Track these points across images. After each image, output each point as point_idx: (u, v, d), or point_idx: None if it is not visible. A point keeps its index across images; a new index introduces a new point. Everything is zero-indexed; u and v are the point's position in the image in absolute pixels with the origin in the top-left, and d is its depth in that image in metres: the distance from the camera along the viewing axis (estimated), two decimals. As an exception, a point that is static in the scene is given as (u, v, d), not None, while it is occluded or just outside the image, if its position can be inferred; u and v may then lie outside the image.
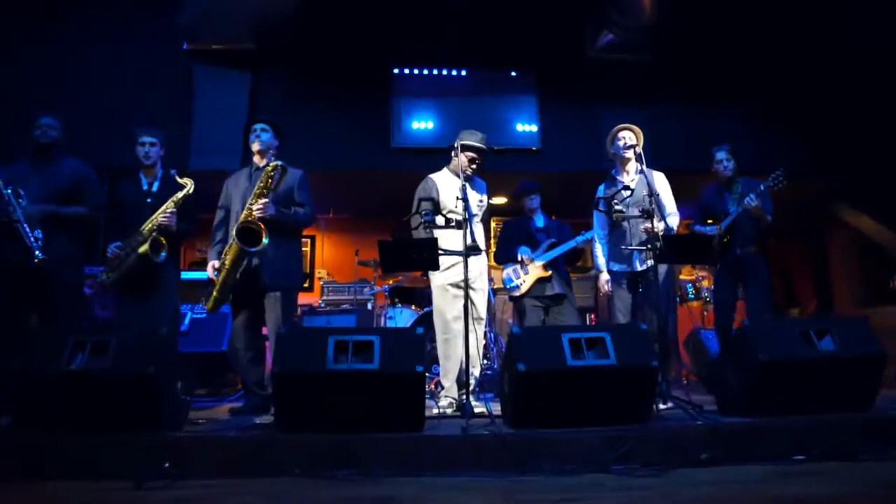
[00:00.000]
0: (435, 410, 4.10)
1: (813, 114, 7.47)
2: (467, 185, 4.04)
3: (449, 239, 4.33)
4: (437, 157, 4.91)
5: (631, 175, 4.77)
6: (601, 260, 4.84)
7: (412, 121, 7.33)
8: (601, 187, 4.95)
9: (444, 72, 7.52)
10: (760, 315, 5.20)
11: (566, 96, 7.43)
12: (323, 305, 7.97)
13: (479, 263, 4.48)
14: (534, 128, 7.40)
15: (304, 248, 9.46)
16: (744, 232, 5.24)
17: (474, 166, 4.47)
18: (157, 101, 6.81)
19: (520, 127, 7.40)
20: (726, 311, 5.39)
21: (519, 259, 5.53)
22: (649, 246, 4.07)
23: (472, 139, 4.48)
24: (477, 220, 4.55)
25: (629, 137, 4.71)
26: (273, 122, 4.69)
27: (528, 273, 5.53)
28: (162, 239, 4.35)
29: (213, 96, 6.99)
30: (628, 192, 4.27)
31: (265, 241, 4.05)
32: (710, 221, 5.39)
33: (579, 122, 7.39)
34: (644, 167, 4.42)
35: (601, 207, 4.20)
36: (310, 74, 7.22)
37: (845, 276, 9.80)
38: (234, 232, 4.10)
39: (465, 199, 3.84)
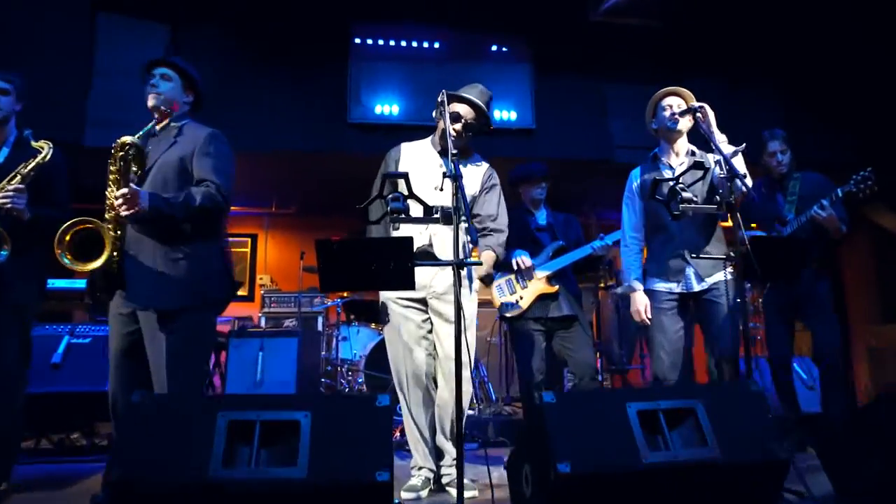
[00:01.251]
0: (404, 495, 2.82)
1: (857, 98, 6.23)
2: (456, 153, 2.60)
3: (429, 239, 3.02)
4: (406, 136, 3.50)
5: (681, 157, 3.42)
6: (632, 274, 3.48)
7: (371, 97, 5.87)
8: (635, 174, 3.60)
9: (414, 42, 6.10)
10: (833, 351, 4.00)
11: (565, 68, 6.07)
12: (262, 322, 6.52)
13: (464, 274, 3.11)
14: (527, 105, 6.00)
15: (243, 249, 7.92)
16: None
17: (467, 133, 3.11)
18: (47, 55, 5.21)
19: (511, 105, 5.99)
20: (782, 344, 4.17)
21: (515, 266, 4.15)
22: (727, 254, 2.69)
23: (466, 91, 3.10)
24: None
25: (678, 104, 3.35)
26: (182, 68, 3.16)
27: (528, 287, 4.16)
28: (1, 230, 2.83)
29: (119, 53, 5.42)
30: (698, 173, 2.86)
31: (104, 257, 2.66)
32: (753, 226, 4.17)
33: (581, 100, 6.04)
34: (716, 137, 3.04)
35: (659, 195, 2.77)
36: (245, 31, 5.73)
37: (861, 286, 8.69)
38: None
39: (455, 176, 2.40)
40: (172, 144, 2.90)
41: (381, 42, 6.04)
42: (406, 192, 2.35)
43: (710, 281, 3.29)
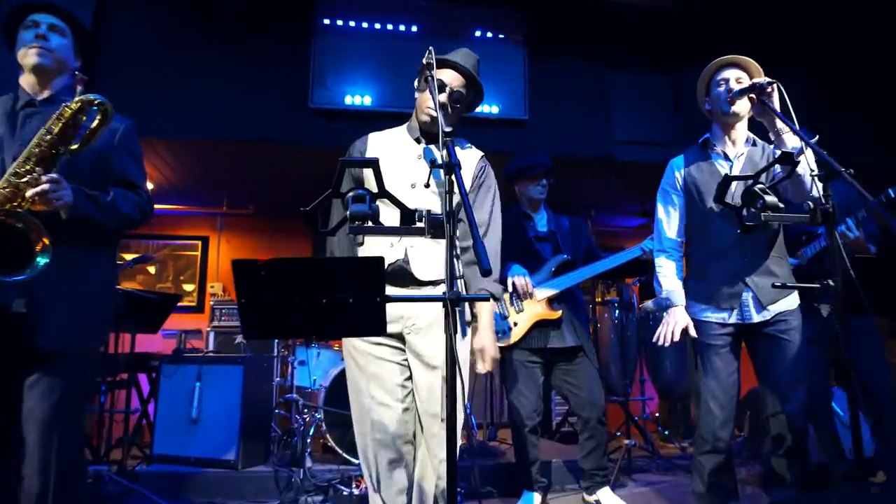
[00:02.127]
0: None
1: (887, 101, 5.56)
2: (450, 130, 1.80)
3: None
4: (380, 125, 2.62)
5: (738, 147, 2.66)
6: (672, 286, 2.67)
7: (339, 83, 5.00)
8: (676, 164, 2.80)
9: (389, 25, 5.25)
10: (880, 376, 3.23)
11: (564, 53, 5.29)
12: (210, 337, 5.68)
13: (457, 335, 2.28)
14: (519, 93, 5.16)
15: (193, 253, 7.01)
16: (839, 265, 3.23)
17: (456, 106, 2.30)
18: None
19: (501, 91, 5.14)
20: (822, 375, 3.38)
21: (510, 286, 3.39)
22: (824, 282, 1.92)
23: (452, 56, 2.31)
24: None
25: (736, 79, 2.58)
26: (72, 15, 2.32)
27: (523, 310, 3.41)
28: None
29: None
30: (784, 169, 2.07)
31: (41, 260, 1.79)
32: None
33: (581, 90, 5.27)
34: (780, 128, 2.27)
35: (733, 199, 1.99)
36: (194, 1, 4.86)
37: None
38: None
39: (450, 165, 1.60)
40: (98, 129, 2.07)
41: (351, 23, 5.19)
42: (375, 189, 1.55)
43: (773, 309, 2.53)
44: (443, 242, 2.30)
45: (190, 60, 4.78)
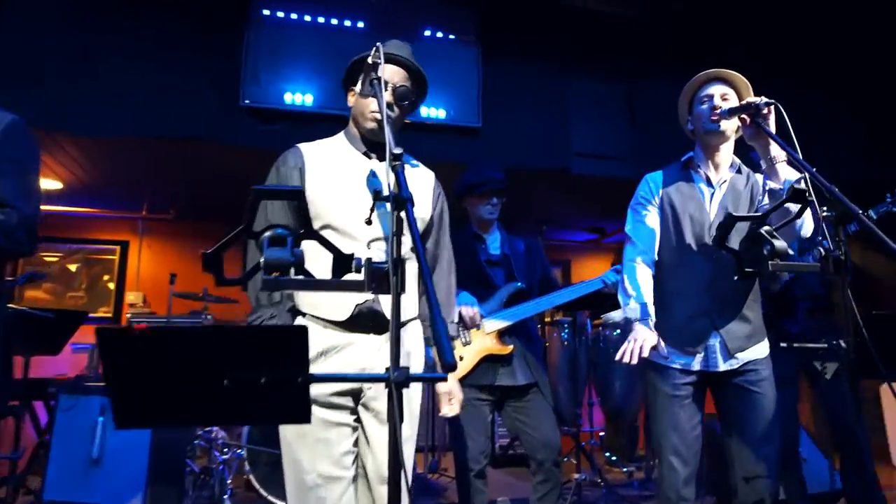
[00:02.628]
0: None
1: (864, 111, 5.46)
2: (399, 153, 1.40)
3: (345, 296, 1.83)
4: (320, 129, 2.32)
5: (722, 173, 2.38)
6: (645, 297, 2.34)
7: (278, 71, 4.54)
8: (656, 177, 2.50)
9: (334, 20, 4.84)
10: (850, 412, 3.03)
11: (519, 58, 4.97)
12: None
13: (411, 344, 2.02)
14: (442, 112, 4.78)
15: (111, 257, 6.40)
16: (812, 291, 3.14)
17: (402, 104, 1.96)
18: None
19: (429, 112, 4.76)
20: (790, 416, 3.18)
21: (455, 315, 3.02)
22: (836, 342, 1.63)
23: (393, 50, 1.97)
24: (408, 249, 1.98)
25: (721, 95, 2.30)
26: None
27: (470, 343, 3.06)
28: None
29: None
30: (793, 209, 1.76)
31: None
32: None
33: (538, 97, 4.96)
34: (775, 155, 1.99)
35: (735, 243, 1.68)
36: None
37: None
38: None
39: (400, 199, 1.23)
40: None
41: (293, 16, 4.75)
42: (297, 225, 1.17)
43: (742, 358, 2.27)
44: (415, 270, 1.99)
45: (104, 47, 4.26)
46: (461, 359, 3.03)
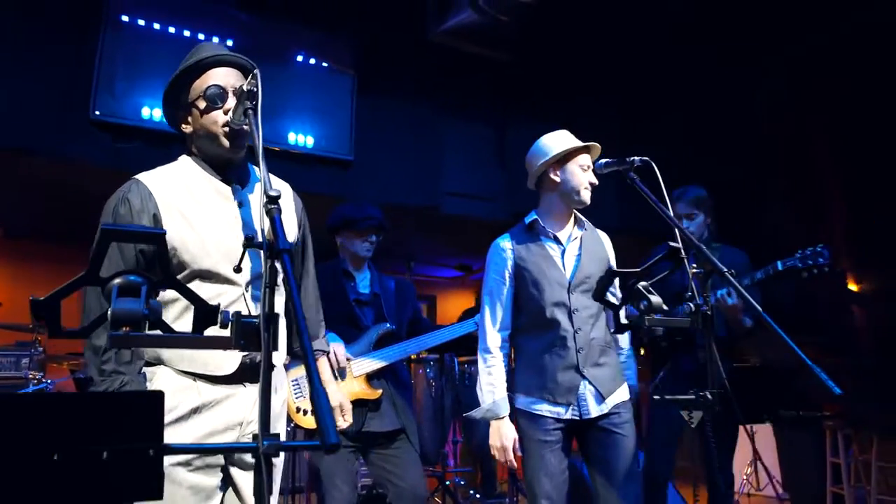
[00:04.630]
0: None
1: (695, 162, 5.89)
2: (276, 195, 1.26)
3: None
4: (178, 148, 1.99)
5: (569, 229, 2.50)
6: (498, 393, 2.43)
7: (133, 93, 4.17)
8: (500, 245, 2.56)
9: (201, 35, 4.55)
10: (724, 461, 3.16)
11: (394, 92, 4.94)
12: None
13: (277, 393, 1.85)
14: (310, 139, 4.64)
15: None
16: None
17: (226, 121, 1.70)
18: None
19: (293, 136, 4.61)
20: (667, 455, 3.30)
21: (320, 359, 2.88)
22: (703, 395, 1.68)
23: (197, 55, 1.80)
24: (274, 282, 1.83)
25: (587, 165, 2.47)
26: None
27: (338, 388, 2.91)
28: None
29: None
30: (665, 266, 1.81)
31: None
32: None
33: (410, 133, 4.95)
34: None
35: (612, 297, 1.71)
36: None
37: (644, 359, 8.72)
38: None
39: (277, 250, 1.12)
40: None
41: (156, 26, 4.42)
42: (154, 271, 1.02)
43: (610, 402, 2.35)
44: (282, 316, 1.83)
45: None
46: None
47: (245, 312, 1.14)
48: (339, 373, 2.88)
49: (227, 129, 1.69)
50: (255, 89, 1.51)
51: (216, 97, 1.69)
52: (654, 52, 5.44)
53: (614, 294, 2.35)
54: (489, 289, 2.54)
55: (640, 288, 1.63)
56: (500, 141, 5.12)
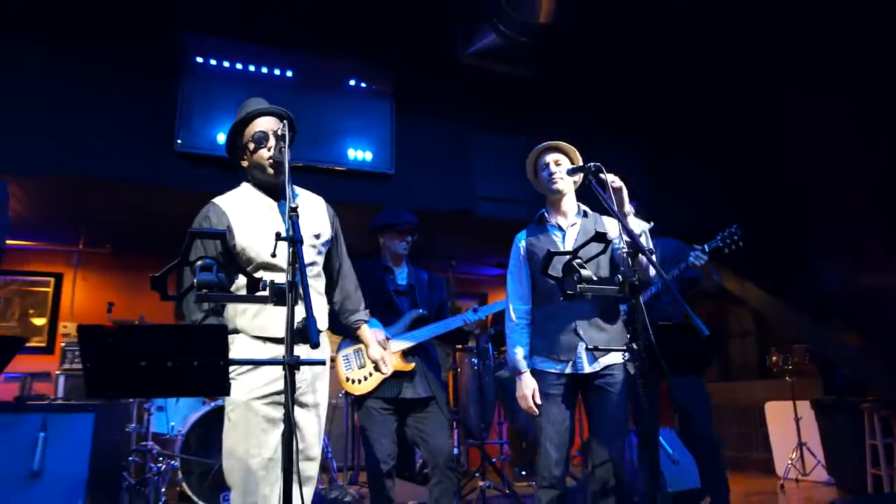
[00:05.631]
0: None
1: (709, 170, 6.31)
2: (295, 206, 1.92)
3: (263, 314, 2.30)
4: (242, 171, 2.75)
5: (570, 218, 3.03)
6: (519, 353, 2.99)
7: (209, 125, 4.95)
8: (520, 238, 3.15)
9: (264, 69, 5.30)
10: (696, 422, 3.90)
11: (429, 110, 5.59)
12: (60, 382, 5.41)
13: (317, 356, 2.43)
14: (368, 154, 5.36)
15: (44, 289, 6.67)
16: (665, 307, 3.88)
17: (267, 154, 2.40)
18: None
19: (352, 153, 5.32)
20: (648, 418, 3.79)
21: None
22: (628, 345, 2.24)
23: (242, 111, 2.50)
24: (314, 273, 2.53)
25: (555, 161, 3.00)
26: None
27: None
28: None
29: None
30: (598, 246, 2.39)
31: None
32: None
33: (444, 146, 5.58)
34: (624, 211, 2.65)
35: (553, 271, 2.30)
36: (46, 24, 4.65)
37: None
38: None
39: (295, 239, 1.76)
40: None
41: (225, 63, 5.18)
42: (220, 261, 1.68)
43: (603, 362, 2.87)
44: (322, 295, 2.50)
45: (46, 92, 4.55)
46: (370, 375, 3.53)
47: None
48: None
49: (270, 161, 2.36)
50: (286, 132, 2.16)
51: (261, 140, 2.38)
52: (666, 62, 5.93)
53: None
54: (510, 272, 3.12)
55: (574, 264, 2.19)
56: (527, 148, 5.64)
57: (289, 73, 5.39)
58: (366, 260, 3.74)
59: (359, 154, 5.28)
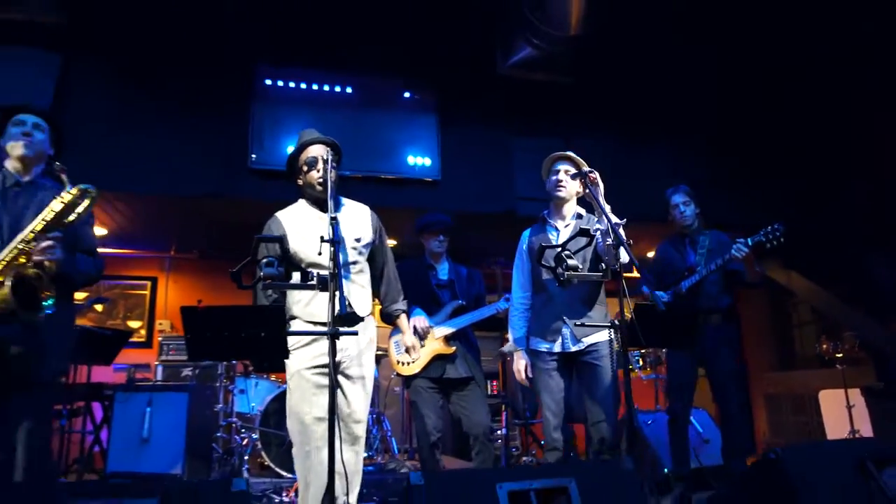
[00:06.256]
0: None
1: (750, 162, 6.56)
2: (337, 217, 2.51)
3: (313, 304, 2.88)
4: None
5: (567, 220, 3.51)
6: (517, 334, 3.57)
7: (278, 140, 5.64)
8: (525, 235, 3.67)
9: (326, 86, 5.94)
10: (733, 404, 4.12)
11: (471, 120, 6.10)
12: (159, 371, 6.21)
13: (359, 338, 2.99)
14: (432, 156, 5.95)
15: (142, 291, 7.57)
16: (710, 295, 4.17)
17: (318, 176, 2.99)
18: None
19: (415, 156, 5.92)
20: (686, 397, 4.21)
21: (412, 327, 4.04)
22: (612, 321, 2.72)
23: (309, 135, 3.11)
24: (357, 269, 3.09)
25: (564, 170, 3.46)
26: (51, 119, 3.00)
27: (424, 346, 4.07)
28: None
29: (8, 79, 5.01)
30: (584, 240, 2.89)
31: (46, 306, 2.49)
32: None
33: (486, 152, 6.08)
34: (606, 211, 3.12)
35: (545, 261, 2.81)
36: (143, 65, 5.45)
37: (757, 336, 9.14)
38: (7, 283, 2.42)
39: (334, 241, 2.34)
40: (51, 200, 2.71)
41: (291, 84, 5.85)
42: (280, 259, 2.28)
43: (587, 342, 3.33)
44: (365, 288, 3.07)
45: (140, 123, 5.28)
46: (418, 358, 4.08)
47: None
48: (423, 336, 4.07)
49: (319, 181, 2.95)
50: (331, 156, 2.75)
51: (312, 163, 2.99)
52: (700, 60, 6.28)
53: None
54: (515, 265, 3.66)
55: (563, 255, 2.69)
56: (565, 148, 6.06)
57: (349, 90, 5.99)
58: (413, 259, 4.33)
59: (418, 160, 5.87)
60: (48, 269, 2.49)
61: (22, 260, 2.46)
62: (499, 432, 5.39)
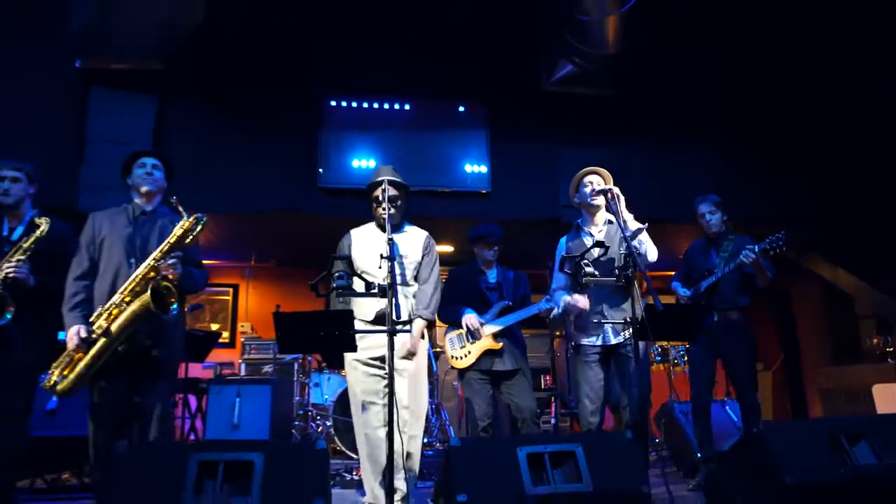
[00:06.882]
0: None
1: (791, 161, 6.84)
2: (394, 238, 3.11)
3: (372, 308, 3.48)
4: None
5: (599, 226, 3.98)
6: (562, 297, 4.01)
7: (343, 158, 6.30)
8: (562, 241, 4.14)
9: (386, 105, 6.56)
10: (749, 393, 4.45)
11: (519, 134, 6.62)
12: (242, 368, 6.93)
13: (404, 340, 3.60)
14: (483, 168, 6.49)
15: (226, 297, 8.39)
16: (727, 294, 4.52)
17: (382, 210, 3.58)
18: (43, 127, 5.69)
19: (468, 168, 6.48)
20: (704, 386, 4.60)
21: (463, 324, 4.57)
22: (627, 319, 3.21)
23: (375, 177, 3.74)
24: (406, 282, 3.68)
25: (597, 182, 3.91)
26: (164, 158, 3.72)
27: (475, 343, 4.56)
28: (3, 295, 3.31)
29: (110, 123, 5.89)
30: (601, 250, 3.40)
31: (174, 309, 3.21)
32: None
33: (533, 163, 6.58)
34: (623, 217, 3.57)
35: (567, 269, 3.33)
36: (225, 101, 6.21)
37: (812, 331, 9.27)
38: (148, 291, 3.14)
39: (391, 258, 2.92)
40: (168, 224, 3.45)
41: (353, 104, 6.46)
42: (348, 271, 2.88)
43: (623, 336, 3.78)
44: (409, 298, 3.66)
45: (225, 151, 6.05)
46: (469, 353, 4.60)
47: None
48: (475, 333, 4.60)
49: (383, 211, 3.53)
50: (389, 192, 3.37)
51: (379, 199, 3.60)
52: (737, 65, 6.61)
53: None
54: (555, 267, 4.12)
55: (580, 263, 3.20)
56: (609, 156, 6.43)
57: (407, 107, 6.60)
58: (466, 265, 4.86)
59: (475, 168, 6.44)
60: (173, 281, 3.18)
61: (152, 274, 3.18)
62: (551, 422, 5.87)
